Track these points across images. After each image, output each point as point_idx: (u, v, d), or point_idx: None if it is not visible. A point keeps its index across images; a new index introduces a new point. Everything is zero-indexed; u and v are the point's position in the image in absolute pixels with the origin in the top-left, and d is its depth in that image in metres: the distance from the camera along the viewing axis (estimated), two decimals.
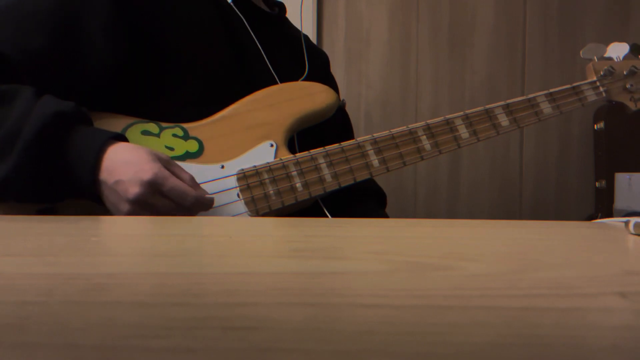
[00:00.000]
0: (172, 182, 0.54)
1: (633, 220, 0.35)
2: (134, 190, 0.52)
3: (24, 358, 0.12)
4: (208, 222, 0.46)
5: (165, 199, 0.54)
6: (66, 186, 0.54)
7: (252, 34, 0.73)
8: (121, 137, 0.57)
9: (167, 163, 0.56)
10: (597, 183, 1.51)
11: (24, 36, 0.58)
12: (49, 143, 0.52)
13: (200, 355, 0.12)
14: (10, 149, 0.51)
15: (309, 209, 0.68)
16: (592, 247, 0.31)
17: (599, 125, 1.50)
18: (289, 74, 0.75)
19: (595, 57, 0.79)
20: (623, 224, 0.39)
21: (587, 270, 0.22)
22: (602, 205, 1.48)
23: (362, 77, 1.62)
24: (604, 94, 0.77)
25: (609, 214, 1.38)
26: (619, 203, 1.31)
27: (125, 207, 0.53)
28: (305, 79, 0.76)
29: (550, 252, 0.28)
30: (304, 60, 0.82)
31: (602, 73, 0.78)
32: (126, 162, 0.53)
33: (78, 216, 0.50)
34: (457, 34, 1.60)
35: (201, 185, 0.60)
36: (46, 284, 0.18)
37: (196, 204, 0.55)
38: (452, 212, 1.59)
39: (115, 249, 0.28)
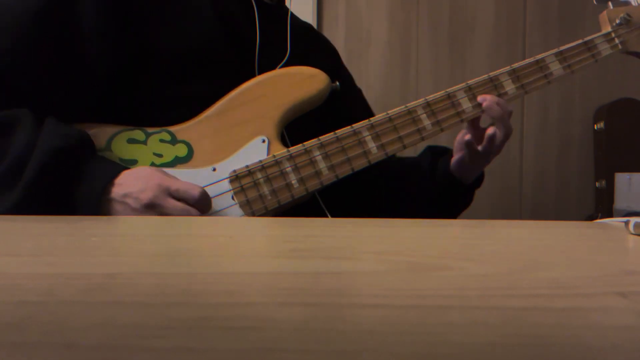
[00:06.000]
0: (178, 182, 0.56)
1: (633, 220, 0.35)
2: (146, 195, 0.54)
3: (24, 358, 0.12)
4: (208, 222, 0.46)
5: (174, 200, 0.55)
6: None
7: (257, 29, 0.71)
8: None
9: (167, 174, 0.58)
10: (597, 183, 1.51)
11: (14, 42, 0.58)
12: (52, 180, 0.53)
13: (200, 355, 0.12)
14: (14, 184, 0.52)
15: (308, 206, 0.67)
16: (592, 247, 0.31)
17: (599, 125, 1.50)
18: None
19: (610, 4, 0.71)
20: (623, 224, 0.39)
21: (587, 270, 0.22)
22: (602, 205, 1.48)
23: (362, 77, 1.61)
24: (619, 46, 0.70)
25: (609, 214, 1.38)
26: (619, 203, 1.31)
27: (137, 214, 0.54)
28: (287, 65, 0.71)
29: (550, 252, 0.28)
30: (307, 53, 0.77)
31: (617, 21, 0.69)
32: (133, 177, 0.55)
33: (78, 216, 0.50)
34: (457, 34, 1.60)
35: None
36: (46, 284, 0.18)
37: (202, 198, 0.56)
38: None
39: (115, 249, 0.28)
